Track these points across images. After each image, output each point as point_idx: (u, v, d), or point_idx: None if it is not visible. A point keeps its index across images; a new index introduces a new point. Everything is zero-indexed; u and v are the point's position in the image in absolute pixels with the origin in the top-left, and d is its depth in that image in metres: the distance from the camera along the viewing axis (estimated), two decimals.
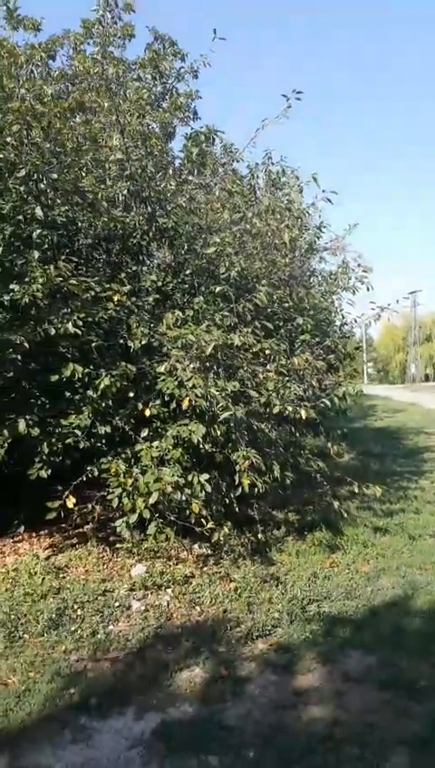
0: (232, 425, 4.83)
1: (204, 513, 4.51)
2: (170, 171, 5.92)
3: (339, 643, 3.86)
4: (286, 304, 5.88)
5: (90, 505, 5.15)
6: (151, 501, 4.41)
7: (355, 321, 7.96)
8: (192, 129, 6.32)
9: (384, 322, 6.41)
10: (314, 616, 4.23)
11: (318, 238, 7.96)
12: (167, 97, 8.43)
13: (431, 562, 5.19)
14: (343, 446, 7.26)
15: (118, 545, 5.14)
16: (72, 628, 3.97)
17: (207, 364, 4.83)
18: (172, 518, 4.70)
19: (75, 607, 4.22)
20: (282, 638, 3.96)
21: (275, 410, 4.78)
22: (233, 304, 5.35)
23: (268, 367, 5.36)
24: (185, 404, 4.53)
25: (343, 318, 7.83)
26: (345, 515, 5.90)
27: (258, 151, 6.45)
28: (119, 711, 3.15)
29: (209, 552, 5.30)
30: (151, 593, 4.52)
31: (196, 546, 5.35)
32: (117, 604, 4.31)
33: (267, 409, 5.13)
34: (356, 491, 5.76)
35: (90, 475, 4.95)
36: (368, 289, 6.95)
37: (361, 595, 4.58)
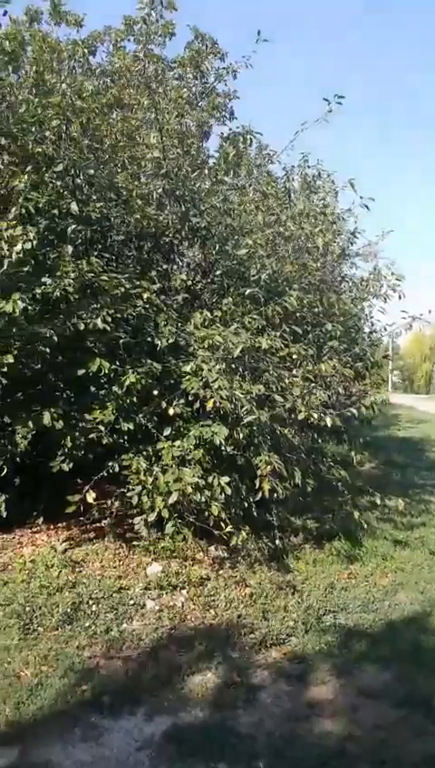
0: (255, 428, 4.79)
1: (223, 515, 4.48)
2: (206, 171, 5.90)
3: (355, 656, 3.80)
4: (316, 309, 5.82)
5: (109, 501, 5.14)
6: (171, 501, 4.40)
7: (385, 329, 7.88)
8: (230, 129, 6.29)
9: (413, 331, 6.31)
10: (330, 627, 4.17)
11: (351, 244, 7.88)
12: (205, 96, 8.41)
13: None
14: (365, 454, 7.18)
15: (135, 542, 5.13)
16: (87, 624, 3.97)
17: (233, 366, 4.80)
18: (191, 519, 4.68)
19: (90, 602, 4.22)
20: (296, 647, 3.91)
21: (301, 416, 4.71)
22: (262, 307, 5.31)
23: (294, 372, 5.30)
24: (209, 405, 4.51)
25: (373, 325, 7.73)
26: (365, 526, 5.81)
27: (295, 154, 6.35)
28: (130, 711, 3.14)
29: (226, 555, 5.26)
30: (166, 593, 4.50)
31: (212, 548, 5.33)
32: (132, 602, 4.30)
33: (292, 415, 5.08)
34: (378, 502, 5.66)
35: (111, 471, 4.96)
36: (400, 297, 6.84)
37: (378, 609, 4.51)
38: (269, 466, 4.50)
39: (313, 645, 3.92)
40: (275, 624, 4.16)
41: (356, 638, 4.03)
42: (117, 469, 4.99)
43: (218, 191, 5.83)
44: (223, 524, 4.50)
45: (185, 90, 7.20)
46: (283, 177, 7.23)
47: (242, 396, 4.53)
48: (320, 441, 5.94)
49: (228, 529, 4.51)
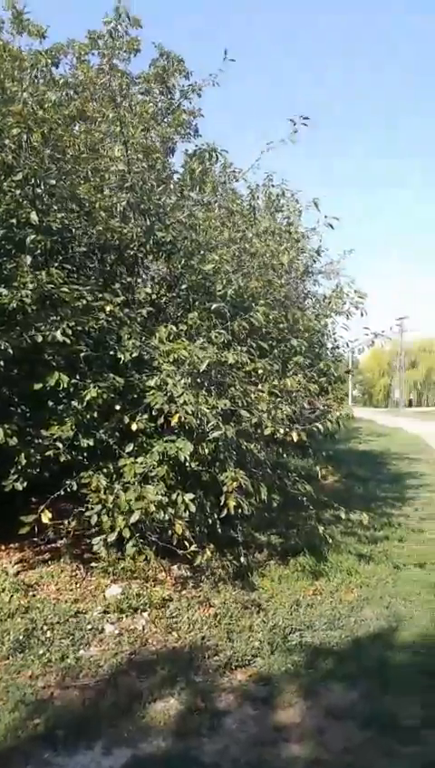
0: (221, 444, 4.71)
1: (187, 534, 4.36)
2: (171, 186, 5.87)
3: (321, 676, 3.72)
4: (281, 325, 5.83)
5: (66, 521, 4.95)
6: (133, 520, 4.25)
7: (347, 345, 7.98)
8: (196, 146, 6.27)
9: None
10: (296, 646, 4.08)
11: (315, 261, 7.99)
12: (170, 112, 8.44)
13: (416, 594, 5.07)
14: (329, 468, 7.17)
15: (93, 564, 4.93)
16: (41, 652, 3.76)
17: (199, 381, 4.72)
18: (153, 538, 4.54)
19: (45, 628, 4.02)
20: (262, 668, 3.80)
21: (267, 432, 4.67)
22: (228, 322, 5.28)
23: (260, 387, 5.27)
24: (174, 420, 4.41)
25: (335, 341, 7.82)
26: (330, 541, 5.78)
27: (259, 172, 6.39)
28: (87, 745, 2.96)
29: (189, 574, 5.14)
30: (126, 616, 4.34)
31: (175, 568, 5.19)
32: (89, 627, 4.12)
33: (258, 430, 5.03)
34: (343, 516, 5.64)
35: (68, 490, 4.78)
36: (362, 314, 6.93)
37: (344, 625, 4.45)
38: (235, 483, 4.43)
39: (279, 665, 3.82)
40: (240, 645, 4.04)
41: (323, 656, 3.95)
42: (75, 488, 4.82)
43: (184, 206, 5.79)
44: (187, 543, 4.37)
45: (151, 105, 7.18)
46: (248, 196, 7.30)
47: (208, 411, 4.45)
48: (285, 456, 5.90)
49: (193, 548, 4.38)
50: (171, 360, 4.84)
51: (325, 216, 6.35)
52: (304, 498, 5.71)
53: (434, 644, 4.17)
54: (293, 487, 5.79)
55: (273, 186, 7.55)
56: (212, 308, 5.10)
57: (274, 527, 6.78)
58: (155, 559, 4.74)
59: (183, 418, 4.40)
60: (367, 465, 12.69)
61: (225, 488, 4.52)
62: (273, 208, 7.80)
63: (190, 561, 4.80)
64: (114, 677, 3.59)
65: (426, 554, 6.30)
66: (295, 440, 4.86)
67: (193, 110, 9.42)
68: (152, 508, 4.22)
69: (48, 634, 3.96)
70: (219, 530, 5.26)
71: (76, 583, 4.80)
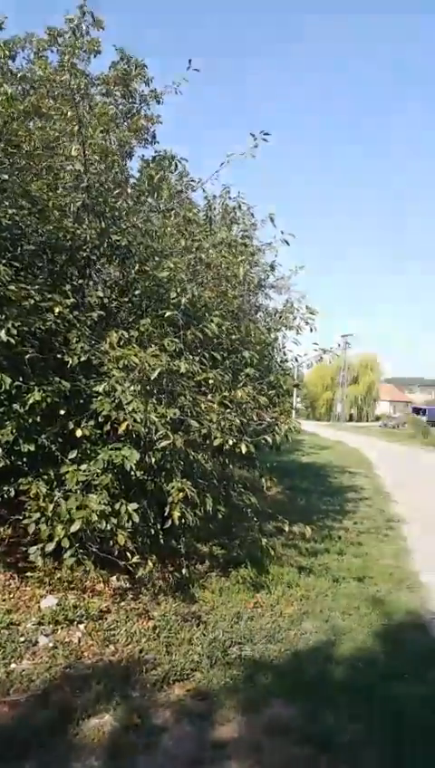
0: (168, 453, 4.65)
1: (129, 545, 4.26)
2: (128, 190, 5.79)
3: (261, 691, 3.69)
4: (233, 336, 5.82)
5: (1, 528, 4.75)
6: (73, 529, 4.13)
7: (296, 359, 8.10)
8: (156, 152, 6.23)
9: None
10: (236, 660, 4.05)
11: (268, 276, 8.07)
12: (130, 117, 8.38)
13: (355, 608, 5.15)
14: (274, 480, 7.23)
15: (28, 573, 4.75)
16: None
17: (148, 388, 4.65)
18: (94, 549, 4.42)
19: None
20: (201, 683, 3.74)
21: (216, 442, 4.64)
22: (181, 331, 5.24)
23: (210, 397, 5.24)
24: (123, 428, 4.33)
25: (285, 355, 7.91)
26: (272, 553, 5.80)
27: (217, 183, 6.39)
28: (16, 766, 2.82)
29: (128, 585, 5.02)
30: (62, 628, 4.19)
31: (114, 579, 5.06)
32: (22, 639, 3.95)
33: (206, 440, 5.00)
34: (286, 528, 5.67)
35: (5, 497, 4.60)
36: (311, 330, 7.04)
37: (284, 638, 4.45)
38: (182, 493, 4.37)
39: (218, 680, 3.77)
40: (178, 658, 3.97)
41: (262, 670, 3.94)
42: (12, 494, 4.64)
43: (141, 211, 5.73)
44: (129, 554, 4.27)
45: (112, 107, 7.09)
46: (205, 206, 7.31)
47: (157, 419, 4.38)
48: (231, 467, 5.89)
49: (135, 559, 4.29)
50: (121, 367, 4.75)
51: (281, 232, 6.43)
52: (249, 509, 5.71)
53: (371, 658, 4.24)
54: (238, 498, 5.80)
55: (230, 198, 7.58)
56: (166, 315, 5.05)
57: (215, 538, 6.74)
58: (94, 570, 4.61)
59: (131, 426, 4.31)
60: (310, 478, 12.89)
61: (170, 498, 4.46)
62: (229, 220, 7.83)
63: (130, 571, 4.71)
64: (47, 693, 3.45)
65: (364, 568, 6.43)
66: (244, 452, 4.86)
67: (152, 117, 9.41)
68: (94, 518, 4.12)
69: None
70: (162, 540, 5.19)
71: (9, 593, 4.60)
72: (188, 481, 4.50)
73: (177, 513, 4.62)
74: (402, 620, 5.00)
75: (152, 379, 4.34)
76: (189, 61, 5.55)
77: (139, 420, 4.28)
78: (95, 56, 8.80)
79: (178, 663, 3.91)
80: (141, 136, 9.39)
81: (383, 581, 6.02)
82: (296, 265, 8.71)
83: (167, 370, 4.42)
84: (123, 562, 4.38)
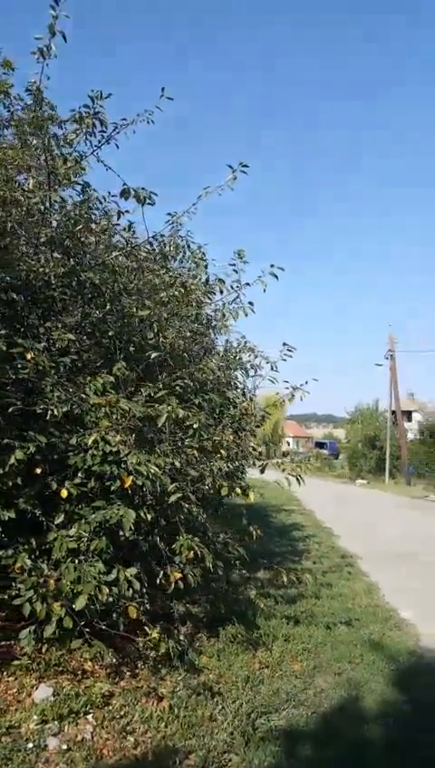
0: (168, 508, 4.27)
1: (141, 618, 3.80)
2: (93, 225, 5.47)
3: (307, 767, 3.35)
4: (211, 377, 5.59)
5: None
6: (79, 605, 3.61)
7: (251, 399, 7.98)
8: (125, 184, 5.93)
9: None
10: (268, 733, 3.68)
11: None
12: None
13: (358, 655, 4.96)
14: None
15: (15, 661, 4.08)
16: None
17: (147, 437, 4.29)
18: (102, 626, 3.89)
19: None
20: (241, 767, 3.33)
21: (223, 490, 4.36)
22: (157, 373, 4.94)
23: (192, 442, 4.95)
24: (127, 483, 3.89)
25: (244, 394, 7.77)
26: (262, 606, 5.50)
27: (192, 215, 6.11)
28: None
29: (117, 659, 4.47)
30: (69, 723, 3.59)
31: (101, 655, 4.49)
32: (29, 745, 3.32)
33: (198, 486, 4.70)
34: (259, 575, 5.41)
35: None
36: (272, 368, 6.97)
37: (305, 701, 4.14)
38: (191, 551, 4.00)
39: (259, 760, 3.38)
40: (208, 741, 3.53)
41: (299, 741, 3.60)
42: None
43: (109, 247, 5.42)
44: (148, 629, 3.80)
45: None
46: (158, 243, 7.10)
47: (158, 471, 4.01)
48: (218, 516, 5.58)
49: (155, 634, 3.81)
50: (102, 415, 4.37)
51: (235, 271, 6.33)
52: (237, 561, 5.41)
53: (399, 710, 4.05)
54: (224, 550, 5.46)
55: (180, 237, 7.45)
56: (152, 357, 4.74)
57: (187, 595, 6.31)
58: (100, 648, 4.01)
59: (136, 481, 3.91)
60: (254, 519, 12.64)
61: (178, 559, 4.08)
62: (181, 257, 7.68)
63: (116, 646, 4.22)
64: None
65: (346, 610, 6.30)
66: (240, 494, 4.66)
67: (72, 159, 9.03)
68: (105, 590, 3.62)
69: None
70: (146, 605, 4.72)
71: None
72: (195, 537, 4.14)
73: (177, 574, 4.25)
74: (409, 664, 4.89)
75: (158, 427, 3.99)
76: (162, 89, 5.31)
77: (145, 474, 3.88)
78: (4, 97, 8.29)
79: (208, 746, 3.47)
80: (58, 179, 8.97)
81: (370, 622, 5.91)
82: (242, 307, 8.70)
83: (172, 418, 4.09)
84: (141, 639, 3.90)
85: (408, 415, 40.53)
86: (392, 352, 33.27)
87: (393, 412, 33.99)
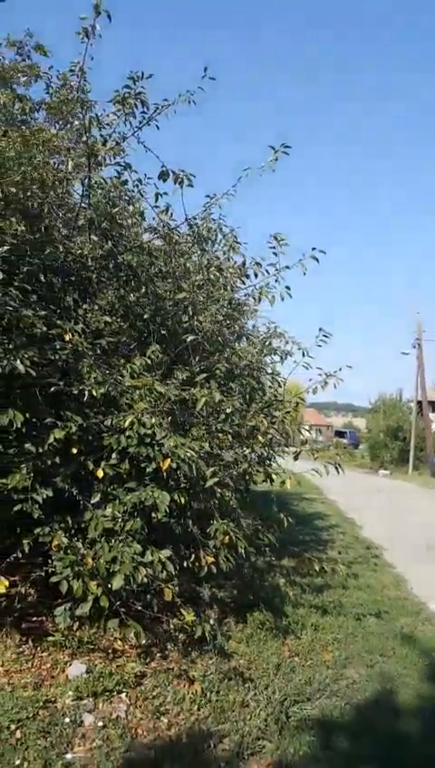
0: (203, 492, 4.25)
1: (177, 600, 3.80)
2: (131, 207, 5.42)
3: (342, 758, 3.33)
4: (243, 362, 5.54)
5: (22, 589, 4.12)
6: (116, 585, 3.61)
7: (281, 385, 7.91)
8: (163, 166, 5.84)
9: None
10: (302, 721, 3.66)
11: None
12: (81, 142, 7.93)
13: (390, 648, 4.91)
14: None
15: (49, 637, 4.13)
16: (17, 762, 2.95)
17: (180, 421, 4.26)
18: (139, 607, 3.90)
19: (12, 727, 3.20)
20: (276, 754, 3.32)
21: (260, 476, 4.32)
22: (191, 357, 4.89)
23: (225, 426, 4.91)
24: (165, 466, 3.87)
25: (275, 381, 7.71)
26: (291, 594, 5.48)
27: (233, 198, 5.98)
28: None
29: (148, 641, 4.49)
30: (103, 701, 3.62)
31: (132, 635, 4.51)
32: (66, 720, 3.36)
33: (230, 472, 4.67)
34: (284, 563, 5.37)
35: (22, 551, 4.00)
36: (304, 354, 6.87)
37: (338, 691, 4.11)
38: (226, 536, 3.98)
39: (294, 748, 3.37)
40: (241, 726, 3.53)
41: (334, 732, 3.57)
42: (29, 546, 4.05)
43: (146, 229, 5.38)
44: (185, 612, 3.80)
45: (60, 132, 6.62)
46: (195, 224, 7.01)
47: (194, 455, 3.98)
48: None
49: (191, 617, 3.81)
50: (139, 397, 4.35)
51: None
52: (267, 548, 5.39)
53: None
54: (254, 536, 5.44)
55: (213, 220, 7.35)
56: (188, 340, 4.70)
57: (212, 579, 6.31)
58: (129, 628, 4.04)
59: (174, 465, 3.89)
60: (274, 507, 12.65)
61: (213, 543, 4.06)
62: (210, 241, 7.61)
63: (146, 626, 4.23)
64: None
65: (375, 602, 6.24)
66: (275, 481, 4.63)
67: (106, 142, 8.94)
68: (143, 571, 3.62)
69: (18, 734, 3.15)
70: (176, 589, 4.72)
71: (27, 662, 3.95)
72: (231, 522, 4.12)
73: (210, 559, 4.24)
74: None
75: (197, 411, 3.95)
76: (205, 69, 5.16)
77: (183, 458, 3.86)
78: (35, 81, 8.23)
79: (243, 731, 3.47)
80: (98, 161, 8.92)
81: (400, 615, 5.84)
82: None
83: (209, 402, 4.06)
84: (175, 620, 3.90)
85: (433, 405, 39.96)
86: (420, 341, 32.68)
87: (419, 402, 33.49)
